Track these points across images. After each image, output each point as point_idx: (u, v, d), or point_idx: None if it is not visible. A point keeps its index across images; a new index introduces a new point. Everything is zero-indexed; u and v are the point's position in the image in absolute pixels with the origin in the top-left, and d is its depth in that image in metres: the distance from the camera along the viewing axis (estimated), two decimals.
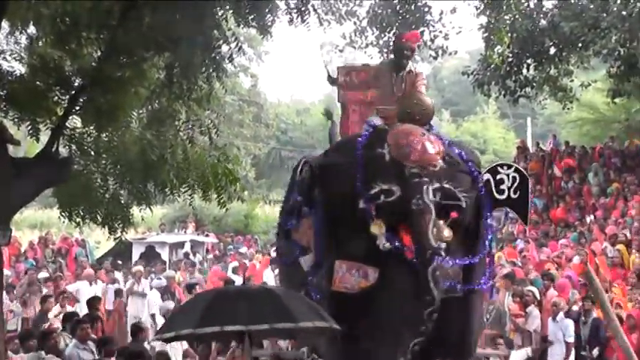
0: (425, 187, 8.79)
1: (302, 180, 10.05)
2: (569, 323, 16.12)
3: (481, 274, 9.90)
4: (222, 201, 14.81)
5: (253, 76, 57.96)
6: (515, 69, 29.84)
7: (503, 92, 30.96)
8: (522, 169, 9.83)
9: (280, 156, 59.47)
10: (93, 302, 17.58)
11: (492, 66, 29.30)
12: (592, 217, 26.82)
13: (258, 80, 58.91)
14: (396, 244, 8.96)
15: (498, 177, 9.65)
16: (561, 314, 16.19)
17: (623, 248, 20.15)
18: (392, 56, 11.23)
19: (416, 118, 9.54)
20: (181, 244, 33.02)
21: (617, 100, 32.67)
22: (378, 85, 10.73)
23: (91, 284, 21.81)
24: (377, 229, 8.93)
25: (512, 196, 9.58)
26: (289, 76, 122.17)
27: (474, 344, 10.09)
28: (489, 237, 10.06)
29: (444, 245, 8.82)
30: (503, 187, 9.60)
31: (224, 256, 30.92)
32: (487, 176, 9.71)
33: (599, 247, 21.47)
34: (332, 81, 11.77)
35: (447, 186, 9.04)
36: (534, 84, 30.74)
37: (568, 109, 34.68)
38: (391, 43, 11.52)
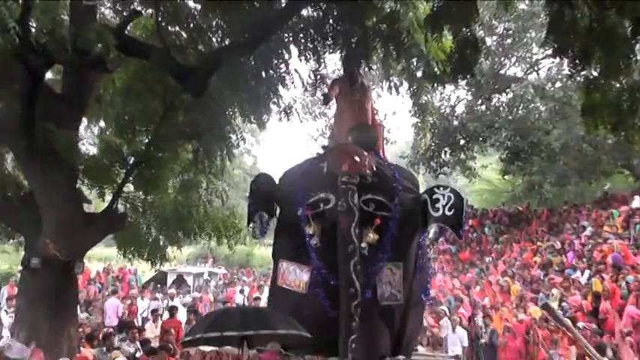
0: (350, 192, 7.65)
1: (258, 189, 8.84)
2: (464, 333, 16.01)
3: (421, 287, 8.70)
4: (230, 244, 15.01)
5: (254, 156, 57.93)
6: (437, 154, 29.93)
7: (428, 170, 30.97)
8: (458, 191, 8.39)
9: None
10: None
11: (420, 152, 29.60)
12: (489, 258, 26.92)
13: (257, 159, 58.78)
14: (327, 244, 7.77)
15: (434, 196, 8.18)
16: (458, 327, 16.03)
17: (510, 280, 20.20)
18: (344, 73, 9.59)
19: (362, 144, 8.43)
20: (202, 274, 32.91)
21: (506, 177, 33.00)
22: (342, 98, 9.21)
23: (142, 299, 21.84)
24: (312, 229, 7.82)
25: (447, 213, 8.07)
26: (280, 156, 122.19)
27: (411, 347, 8.74)
28: (421, 251, 8.79)
29: (365, 245, 7.62)
30: (438, 205, 8.10)
31: (231, 283, 30.77)
32: (425, 196, 8.28)
33: (493, 279, 21.49)
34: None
35: (378, 197, 7.94)
36: (450, 165, 30.87)
37: (472, 182, 35.05)
38: (343, 61, 9.82)
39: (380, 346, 7.82)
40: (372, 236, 7.71)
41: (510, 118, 27.62)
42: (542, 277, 19.98)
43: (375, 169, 8.10)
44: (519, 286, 19.59)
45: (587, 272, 18.32)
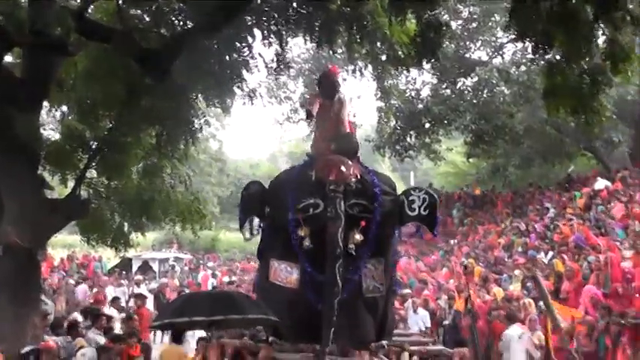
0: (338, 200, 8.31)
1: (249, 195, 9.45)
2: (426, 314, 16.09)
3: (395, 278, 9.65)
4: (194, 230, 14.98)
5: (219, 141, 57.51)
6: (402, 137, 29.99)
7: (393, 154, 31.12)
8: (432, 192, 9.21)
9: (237, 197, 58.71)
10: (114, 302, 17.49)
11: (386, 136, 29.70)
12: (454, 240, 27.15)
13: (222, 144, 58.34)
14: (317, 245, 8.35)
15: (410, 198, 8.96)
16: (420, 308, 16.08)
17: (473, 261, 20.37)
18: (322, 89, 10.05)
19: (345, 152, 9.02)
20: (167, 259, 32.82)
21: (470, 159, 33.14)
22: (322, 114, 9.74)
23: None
24: (303, 232, 8.40)
25: (422, 213, 8.86)
26: (244, 140, 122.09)
27: (392, 332, 9.55)
28: (394, 247, 9.66)
29: (352, 246, 8.25)
30: (414, 205, 8.89)
31: (197, 268, 30.70)
32: (402, 198, 9.03)
33: (457, 260, 21.62)
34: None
35: (361, 202, 8.56)
36: (415, 148, 30.96)
37: (438, 165, 35.33)
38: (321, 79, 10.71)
39: (366, 334, 8.57)
40: (357, 237, 8.32)
41: (475, 101, 27.84)
42: (505, 259, 20.18)
43: (358, 176, 8.70)
44: (483, 267, 19.80)
45: (550, 253, 18.55)
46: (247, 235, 9.60)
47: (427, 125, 29.81)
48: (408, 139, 30.25)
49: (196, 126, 14.93)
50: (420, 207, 8.92)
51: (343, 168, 8.54)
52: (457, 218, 30.22)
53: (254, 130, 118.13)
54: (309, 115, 9.84)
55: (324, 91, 9.84)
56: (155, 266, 31.00)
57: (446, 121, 28.95)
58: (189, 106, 14.60)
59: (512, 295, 15.39)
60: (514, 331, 12.94)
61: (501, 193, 31.93)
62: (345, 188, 8.47)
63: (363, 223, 8.45)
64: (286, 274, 8.72)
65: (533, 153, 29.69)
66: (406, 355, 9.09)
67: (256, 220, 9.44)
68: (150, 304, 18.05)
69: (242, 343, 8.75)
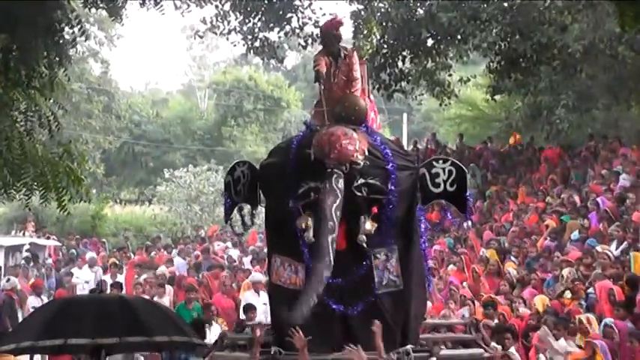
0: (335, 176, 9.55)
1: (237, 179, 11.12)
2: None
3: (420, 269, 11.17)
4: (62, 203, 14.67)
5: (104, 61, 56.56)
6: (390, 61, 30.01)
7: (377, 86, 30.42)
8: (459, 163, 10.69)
9: (133, 151, 58.00)
10: None
11: (365, 57, 29.46)
12: (468, 221, 27.17)
13: (109, 66, 57.47)
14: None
15: (434, 171, 10.41)
16: None
17: (494, 254, 20.42)
18: (321, 46, 11.86)
19: (351, 119, 10.43)
20: (19, 248, 32.42)
21: (497, 97, 33.18)
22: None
23: None
24: (303, 223, 9.76)
25: (449, 189, 10.35)
26: (145, 62, 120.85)
27: (416, 331, 10.81)
28: (422, 231, 11.37)
29: (364, 237, 9.70)
30: (438, 180, 10.35)
31: (70, 262, 30.32)
32: (422, 171, 10.47)
33: (474, 253, 21.66)
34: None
35: (372, 181, 9.94)
36: (410, 78, 31.08)
37: (446, 105, 35.17)
38: (319, 34, 13.39)
39: (386, 337, 9.67)
40: (368, 226, 9.91)
41: (506, 5, 27.72)
42: (551, 251, 20.16)
43: (365, 152, 10.06)
44: (515, 263, 19.84)
45: (624, 243, 18.56)
46: (239, 227, 11.78)
47: (430, 42, 29.83)
48: (400, 63, 30.30)
49: (67, 37, 14.73)
50: (445, 182, 10.41)
51: (346, 143, 9.80)
52: (474, 188, 30.13)
53: (160, 48, 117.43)
54: (318, 77, 10.96)
55: (328, 48, 11.34)
56: None
57: (459, 37, 28.77)
58: (56, 6, 14.38)
59: (561, 306, 15.46)
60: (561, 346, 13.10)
61: (545, 149, 31.87)
62: (351, 166, 9.83)
63: (376, 210, 9.96)
64: (290, 273, 10.33)
65: (597, 87, 29.71)
66: None
67: (247, 208, 11.43)
68: None
69: None
